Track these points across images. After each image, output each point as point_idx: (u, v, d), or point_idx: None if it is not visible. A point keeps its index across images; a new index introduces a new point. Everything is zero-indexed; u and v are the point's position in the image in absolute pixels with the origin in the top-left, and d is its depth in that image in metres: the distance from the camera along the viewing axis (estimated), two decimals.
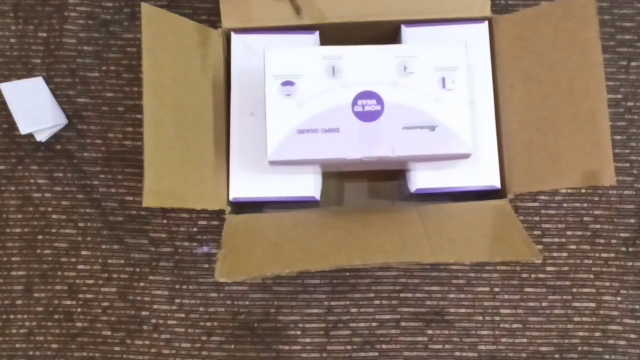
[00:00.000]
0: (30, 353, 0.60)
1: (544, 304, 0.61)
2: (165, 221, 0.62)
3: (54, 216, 0.62)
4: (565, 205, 0.62)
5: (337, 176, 0.61)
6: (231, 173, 0.53)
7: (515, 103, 0.53)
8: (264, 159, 0.49)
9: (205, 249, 0.61)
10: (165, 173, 0.47)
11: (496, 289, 0.61)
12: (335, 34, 0.54)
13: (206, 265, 0.61)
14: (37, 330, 0.60)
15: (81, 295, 0.61)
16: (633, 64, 0.64)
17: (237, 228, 0.51)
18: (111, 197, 0.62)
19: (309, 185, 0.52)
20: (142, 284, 0.61)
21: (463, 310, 0.60)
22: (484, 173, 0.53)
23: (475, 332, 0.60)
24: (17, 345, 0.60)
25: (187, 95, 0.51)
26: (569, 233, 0.62)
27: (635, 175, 0.62)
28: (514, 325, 0.60)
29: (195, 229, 0.62)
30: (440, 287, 0.61)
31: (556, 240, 0.62)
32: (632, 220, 0.62)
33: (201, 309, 0.61)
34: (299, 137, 0.48)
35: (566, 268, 0.61)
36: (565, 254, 0.61)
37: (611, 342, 0.60)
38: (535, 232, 0.62)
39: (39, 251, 0.61)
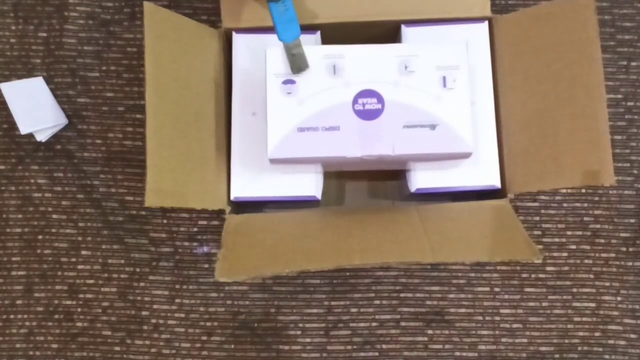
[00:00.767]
0: (31, 353, 0.60)
1: (544, 304, 0.61)
2: (165, 221, 0.62)
3: (54, 216, 0.62)
4: (565, 205, 0.62)
5: (337, 176, 0.61)
6: (232, 172, 0.53)
7: (515, 103, 0.53)
8: (265, 158, 0.49)
9: (205, 248, 0.61)
10: (166, 173, 0.47)
11: (496, 289, 0.61)
12: (336, 34, 0.54)
13: (206, 265, 0.61)
14: (37, 330, 0.60)
15: (81, 295, 0.61)
16: (633, 64, 0.64)
17: (237, 228, 0.51)
18: (111, 197, 0.62)
19: (310, 185, 0.52)
20: (142, 284, 0.61)
21: (463, 310, 0.60)
22: (484, 173, 0.53)
23: (475, 332, 0.60)
24: (17, 345, 0.60)
25: (189, 94, 0.51)
26: (569, 233, 0.62)
27: (635, 175, 0.63)
28: (514, 325, 0.60)
29: (195, 229, 0.62)
30: (441, 287, 0.61)
31: (556, 240, 0.62)
32: (632, 220, 0.62)
33: (201, 308, 0.60)
34: (300, 135, 0.48)
35: (566, 268, 0.61)
36: (565, 254, 0.61)
37: (611, 342, 0.60)
38: (535, 232, 0.62)
39: (39, 251, 0.61)
